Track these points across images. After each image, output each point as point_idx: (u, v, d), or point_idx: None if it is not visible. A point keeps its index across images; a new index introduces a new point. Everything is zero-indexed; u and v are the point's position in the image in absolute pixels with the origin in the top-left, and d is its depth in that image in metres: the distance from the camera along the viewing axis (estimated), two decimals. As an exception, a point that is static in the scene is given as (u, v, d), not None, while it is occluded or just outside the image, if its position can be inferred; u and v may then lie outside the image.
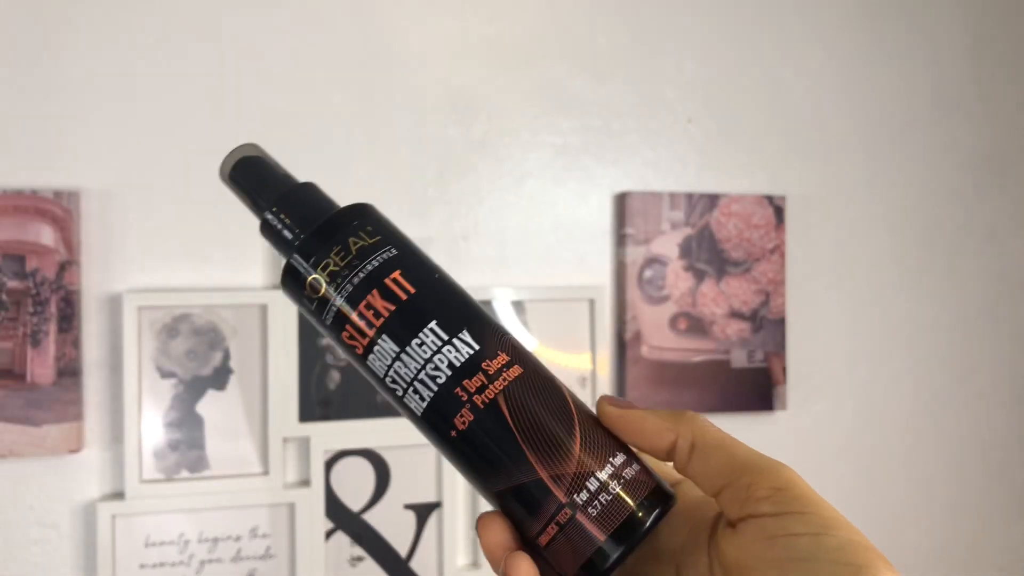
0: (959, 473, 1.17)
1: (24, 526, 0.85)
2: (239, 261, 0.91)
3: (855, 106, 1.12)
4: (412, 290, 0.32)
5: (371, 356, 0.32)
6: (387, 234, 0.34)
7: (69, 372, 0.85)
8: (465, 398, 0.31)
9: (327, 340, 0.91)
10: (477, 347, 0.32)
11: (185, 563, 0.87)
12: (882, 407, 1.13)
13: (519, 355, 0.32)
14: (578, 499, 0.30)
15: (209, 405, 0.88)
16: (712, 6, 1.07)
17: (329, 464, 0.91)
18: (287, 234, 0.35)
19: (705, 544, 0.31)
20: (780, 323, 1.06)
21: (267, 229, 0.36)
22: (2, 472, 0.85)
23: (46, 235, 0.84)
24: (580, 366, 0.99)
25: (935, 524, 1.16)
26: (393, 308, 0.32)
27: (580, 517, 0.30)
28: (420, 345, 0.32)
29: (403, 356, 0.32)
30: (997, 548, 1.19)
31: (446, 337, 0.32)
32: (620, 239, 1.02)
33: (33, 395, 0.84)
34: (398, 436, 0.92)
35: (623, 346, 1.01)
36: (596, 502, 0.30)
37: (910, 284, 1.15)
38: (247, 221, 0.91)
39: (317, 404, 0.91)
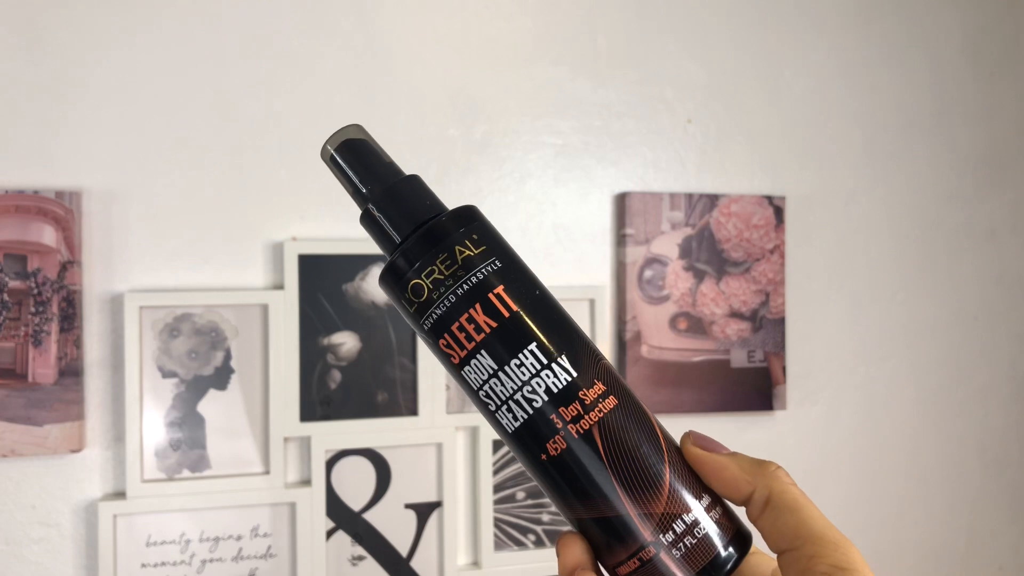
0: (958, 473, 1.17)
1: (26, 525, 0.86)
2: (240, 261, 0.91)
3: (855, 106, 1.12)
4: (515, 307, 0.32)
5: (467, 368, 0.32)
6: (492, 243, 0.33)
7: (71, 372, 0.85)
8: (560, 425, 0.31)
9: (328, 340, 0.91)
10: (575, 374, 0.31)
11: (186, 562, 0.87)
12: (882, 407, 1.14)
13: (614, 384, 0.32)
14: (663, 539, 0.30)
15: (210, 405, 0.89)
16: (712, 6, 1.07)
17: (330, 463, 0.91)
18: (390, 231, 0.34)
19: None
20: (780, 323, 1.06)
21: (368, 221, 0.34)
22: (4, 471, 0.85)
23: (48, 235, 0.84)
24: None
25: (934, 523, 1.16)
26: (495, 325, 0.31)
27: (663, 556, 0.30)
28: (519, 366, 0.31)
29: (500, 374, 0.31)
30: (996, 547, 1.19)
31: (545, 361, 0.31)
32: (620, 239, 1.02)
33: (35, 395, 0.84)
34: (399, 436, 0.93)
35: (623, 346, 1.01)
36: (680, 544, 0.30)
37: (910, 284, 1.15)
38: (248, 221, 0.92)
39: (318, 403, 0.91)
